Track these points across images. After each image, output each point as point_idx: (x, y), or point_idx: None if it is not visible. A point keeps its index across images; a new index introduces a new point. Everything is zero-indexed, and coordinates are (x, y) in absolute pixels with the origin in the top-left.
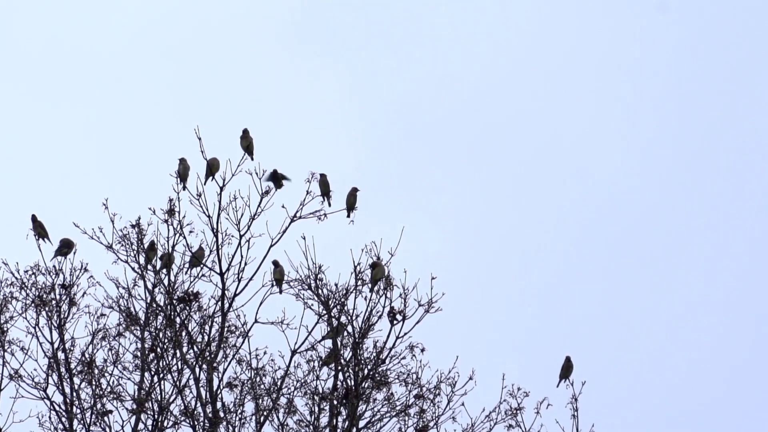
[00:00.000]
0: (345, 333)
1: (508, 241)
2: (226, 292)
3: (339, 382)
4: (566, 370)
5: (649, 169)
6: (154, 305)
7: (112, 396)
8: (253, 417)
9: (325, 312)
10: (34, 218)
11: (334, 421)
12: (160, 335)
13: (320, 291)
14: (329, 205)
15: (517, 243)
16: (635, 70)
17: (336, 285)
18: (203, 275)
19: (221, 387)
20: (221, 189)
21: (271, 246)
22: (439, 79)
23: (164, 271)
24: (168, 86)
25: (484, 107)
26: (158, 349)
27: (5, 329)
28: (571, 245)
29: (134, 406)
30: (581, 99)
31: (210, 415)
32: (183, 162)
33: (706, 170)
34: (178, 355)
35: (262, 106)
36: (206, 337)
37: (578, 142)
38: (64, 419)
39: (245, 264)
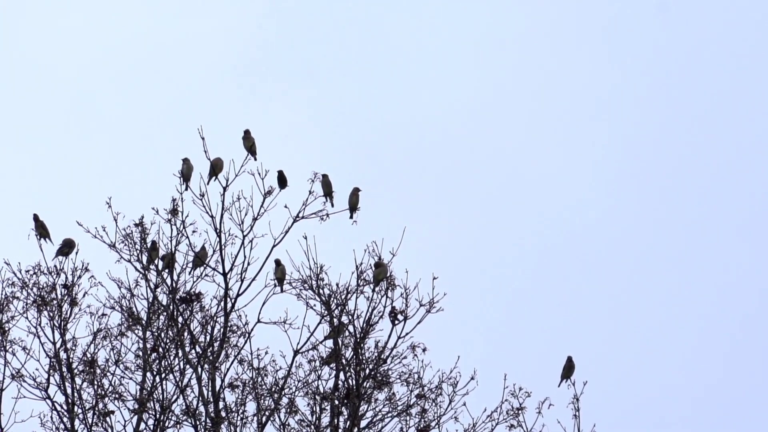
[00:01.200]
0: (346, 333)
1: (508, 240)
2: (229, 292)
3: (340, 382)
4: (568, 370)
5: (649, 168)
6: (156, 305)
7: (113, 396)
8: (255, 417)
9: (326, 312)
10: (36, 218)
11: (336, 421)
12: (162, 335)
13: (321, 291)
14: (332, 205)
15: (517, 243)
16: (633, 71)
17: (337, 285)
18: (206, 275)
19: (223, 387)
20: (224, 189)
21: (274, 246)
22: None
23: (166, 270)
24: (171, 86)
25: (477, 111)
26: (160, 349)
27: (7, 329)
28: (572, 245)
29: (136, 406)
30: (574, 98)
31: (212, 414)
32: (186, 162)
33: (703, 166)
34: (180, 354)
35: (264, 105)
36: (208, 337)
37: (575, 135)
38: (65, 419)
39: (248, 264)
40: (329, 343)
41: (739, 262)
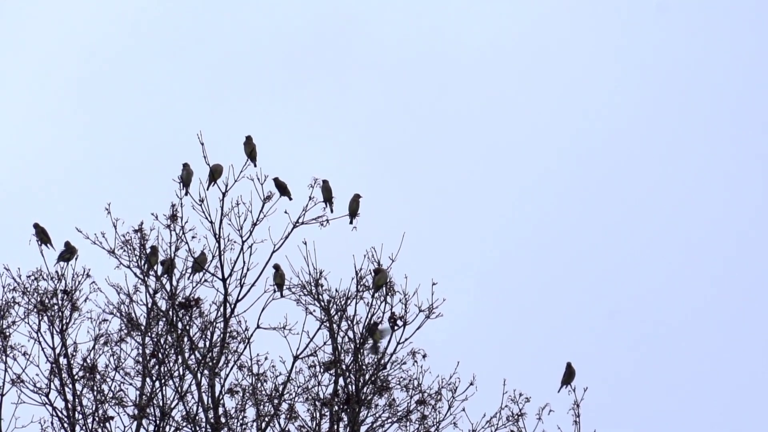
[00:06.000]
0: (345, 338)
1: (508, 244)
2: (228, 297)
3: (340, 388)
4: (568, 376)
5: (649, 165)
6: (156, 310)
7: (113, 401)
8: (255, 423)
9: (326, 317)
10: (36, 225)
11: (336, 426)
12: (162, 340)
13: (321, 296)
14: (331, 211)
15: (517, 246)
16: (632, 71)
17: (337, 291)
18: (206, 281)
19: (223, 392)
20: (224, 194)
21: (274, 252)
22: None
23: (166, 276)
24: (171, 91)
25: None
26: (160, 355)
27: (7, 334)
28: (571, 247)
29: (136, 412)
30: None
31: (211, 420)
32: (186, 167)
33: (697, 175)
34: (180, 360)
35: (264, 111)
36: (208, 343)
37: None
38: (66, 425)
39: (247, 270)
40: (328, 348)
41: (747, 262)
